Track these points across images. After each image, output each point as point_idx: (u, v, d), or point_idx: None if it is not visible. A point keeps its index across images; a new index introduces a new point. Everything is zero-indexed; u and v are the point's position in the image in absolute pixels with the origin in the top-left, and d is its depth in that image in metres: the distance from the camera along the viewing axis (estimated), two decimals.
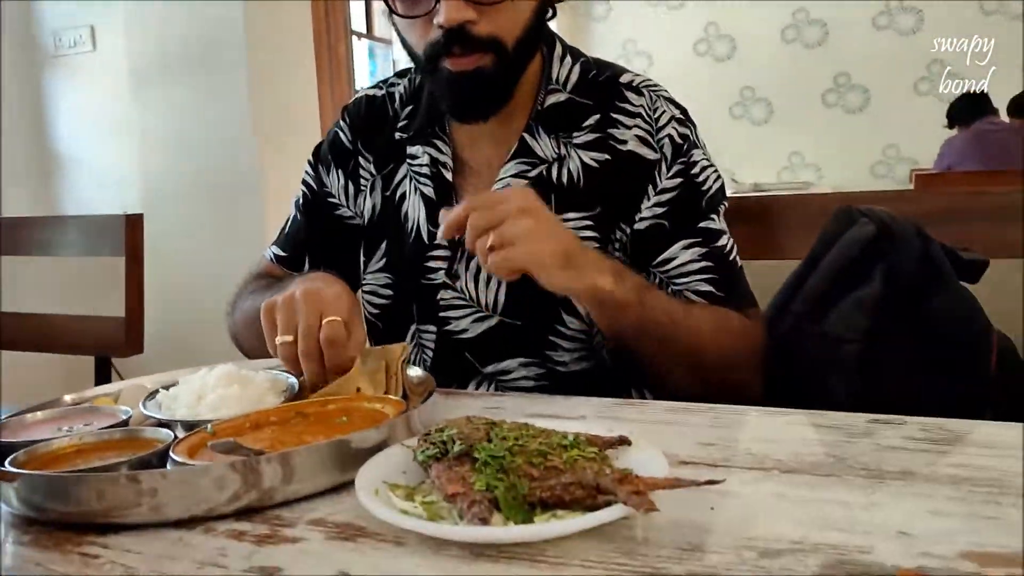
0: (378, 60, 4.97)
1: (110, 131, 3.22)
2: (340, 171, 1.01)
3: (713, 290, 0.87)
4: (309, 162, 1.05)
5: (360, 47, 4.77)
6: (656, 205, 0.88)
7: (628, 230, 0.89)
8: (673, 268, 0.88)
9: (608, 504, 0.47)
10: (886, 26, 4.85)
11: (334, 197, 1.02)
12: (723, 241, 0.90)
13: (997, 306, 0.91)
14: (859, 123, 4.97)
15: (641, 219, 0.89)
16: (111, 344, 1.57)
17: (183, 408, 0.67)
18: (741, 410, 0.71)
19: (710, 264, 0.88)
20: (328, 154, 1.03)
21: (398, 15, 0.85)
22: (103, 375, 1.57)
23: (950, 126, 4.05)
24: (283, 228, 1.08)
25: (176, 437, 0.59)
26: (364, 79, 4.85)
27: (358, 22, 4.69)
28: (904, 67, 4.81)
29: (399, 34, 0.88)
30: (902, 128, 4.86)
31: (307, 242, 1.04)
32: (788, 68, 5.05)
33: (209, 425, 0.61)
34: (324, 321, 0.71)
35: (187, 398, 0.68)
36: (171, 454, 0.56)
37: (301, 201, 1.05)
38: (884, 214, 0.92)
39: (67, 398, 0.75)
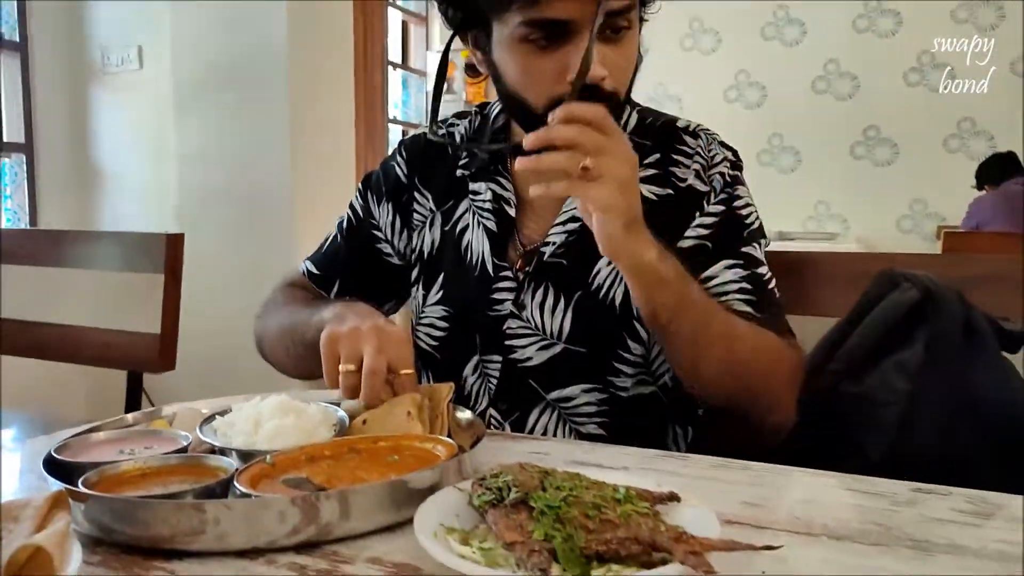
0: (411, 90, 5.06)
1: (150, 148, 3.30)
2: (391, 204, 1.05)
3: (751, 311, 0.89)
4: (359, 189, 1.09)
5: (395, 77, 4.86)
6: (700, 227, 0.93)
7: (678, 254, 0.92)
8: (714, 285, 0.90)
9: (664, 562, 0.48)
10: (917, 83, 4.88)
11: (379, 230, 1.05)
12: (763, 270, 0.93)
13: None
14: (887, 176, 4.98)
15: (685, 238, 0.93)
16: (144, 360, 1.59)
17: (240, 436, 0.69)
18: (781, 470, 0.72)
19: (749, 287, 0.90)
20: (382, 186, 1.06)
21: (513, 66, 0.87)
22: (134, 390, 1.60)
23: (979, 187, 4.06)
24: (321, 245, 1.11)
25: (237, 467, 0.61)
26: (397, 109, 4.94)
27: (394, 52, 4.79)
28: (934, 123, 4.83)
29: (496, 75, 0.90)
30: (930, 183, 4.86)
31: (342, 266, 1.07)
32: (817, 118, 5.08)
33: (268, 456, 0.63)
34: (402, 373, 0.75)
35: (243, 426, 0.70)
36: (235, 484, 0.58)
37: (345, 225, 1.08)
38: (928, 279, 0.94)
39: (128, 417, 0.77)
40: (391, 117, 4.72)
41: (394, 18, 4.79)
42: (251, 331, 1.09)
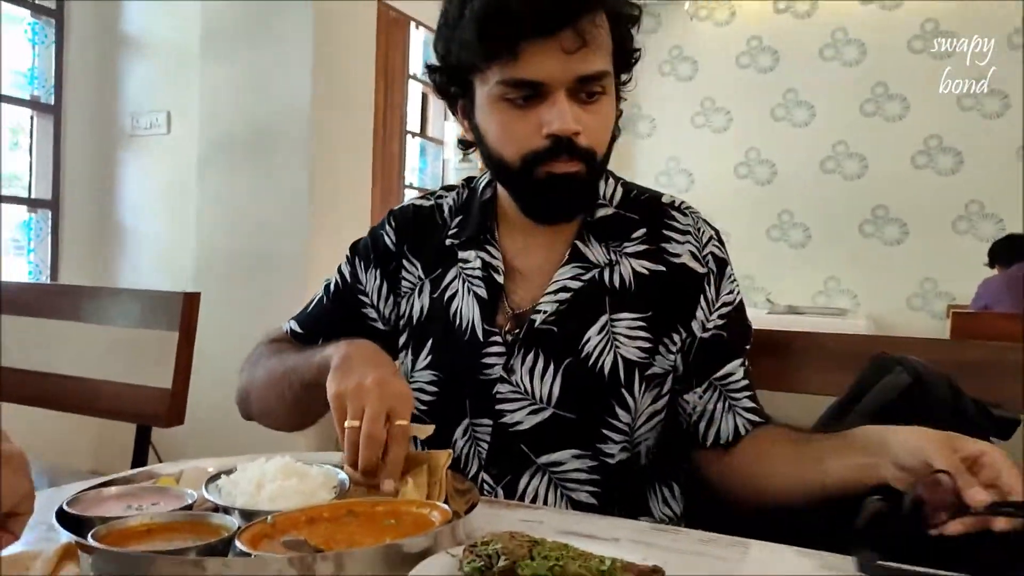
0: (428, 157, 5.20)
1: (172, 209, 3.40)
2: (378, 271, 1.08)
3: (755, 406, 0.99)
4: (347, 255, 1.11)
5: (412, 144, 5.00)
6: (718, 317, 0.99)
7: (687, 337, 0.98)
8: (732, 383, 0.99)
9: None
10: (925, 165, 4.97)
11: (365, 295, 1.08)
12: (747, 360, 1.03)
13: None
14: (896, 255, 5.03)
15: (706, 330, 0.98)
16: (154, 414, 1.61)
17: (243, 496, 0.71)
18: (775, 548, 0.74)
19: (748, 382, 1.00)
20: (370, 252, 1.09)
21: (494, 124, 0.93)
22: (142, 443, 1.62)
23: (991, 265, 4.10)
24: (307, 306, 1.14)
25: (239, 525, 0.63)
26: (414, 174, 5.07)
27: (413, 121, 4.94)
28: (942, 205, 4.90)
29: (479, 139, 0.96)
30: (939, 263, 4.90)
31: (326, 327, 1.09)
32: (827, 196, 5.17)
33: (269, 516, 0.65)
34: (395, 424, 0.77)
35: (246, 486, 0.72)
36: (236, 543, 0.60)
37: (332, 288, 1.11)
38: (919, 364, 0.96)
39: (137, 473, 0.80)
40: (408, 183, 4.84)
41: (414, 89, 4.96)
42: None
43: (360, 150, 3.36)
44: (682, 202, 1.05)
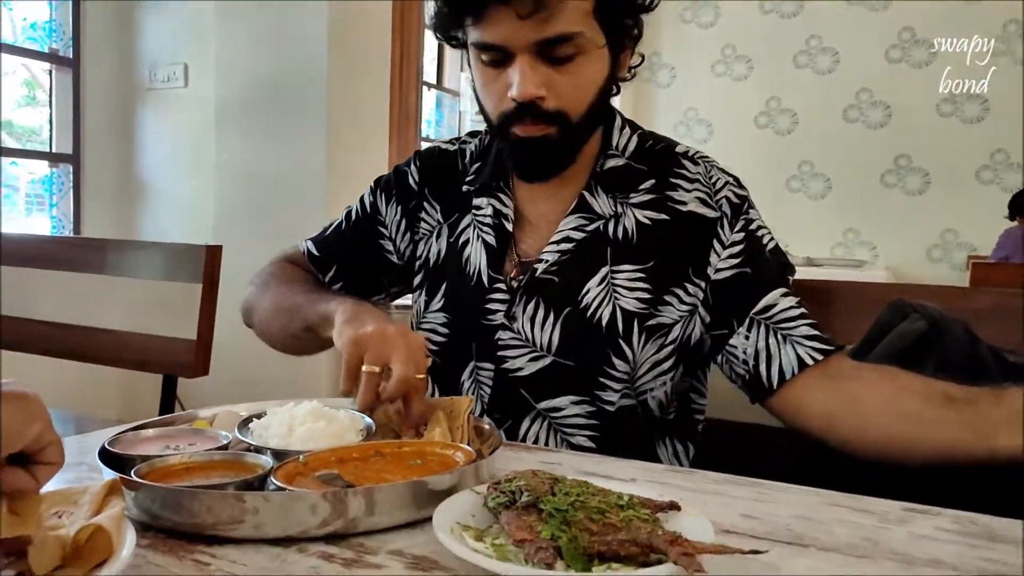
0: (445, 110, 5.17)
1: (191, 162, 3.41)
2: (399, 206, 1.10)
3: (819, 334, 0.93)
4: (371, 187, 1.14)
5: (429, 97, 4.96)
6: (731, 256, 0.96)
7: (703, 284, 0.97)
8: (777, 313, 0.94)
9: (660, 562, 0.53)
10: (950, 113, 4.87)
11: (384, 227, 1.11)
12: (801, 299, 0.97)
13: None
14: (918, 205, 4.97)
15: (719, 271, 0.96)
16: (180, 365, 1.65)
17: (275, 438, 0.74)
18: (785, 487, 0.76)
19: (806, 312, 0.95)
20: (392, 188, 1.12)
21: (476, 82, 0.96)
22: (169, 393, 1.66)
23: (1011, 217, 4.05)
24: (325, 228, 1.17)
25: (273, 464, 0.67)
26: (431, 127, 5.04)
27: (429, 73, 4.89)
28: (966, 154, 4.82)
29: (475, 94, 0.98)
30: (961, 214, 4.84)
31: (342, 253, 1.13)
32: (849, 146, 5.09)
33: (301, 456, 0.68)
34: (418, 377, 0.79)
35: (278, 428, 0.75)
36: (271, 479, 0.63)
37: (353, 215, 1.14)
38: (935, 311, 0.97)
39: (173, 417, 0.83)
40: (424, 135, 4.82)
41: (430, 40, 4.90)
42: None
43: (377, 102, 3.35)
44: (697, 152, 1.04)
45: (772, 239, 1.00)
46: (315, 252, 1.14)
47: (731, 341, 0.96)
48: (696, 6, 5.34)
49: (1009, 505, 0.74)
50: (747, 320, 0.95)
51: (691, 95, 5.38)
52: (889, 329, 1.02)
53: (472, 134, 1.13)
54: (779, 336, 0.94)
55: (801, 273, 1.06)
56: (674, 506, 0.62)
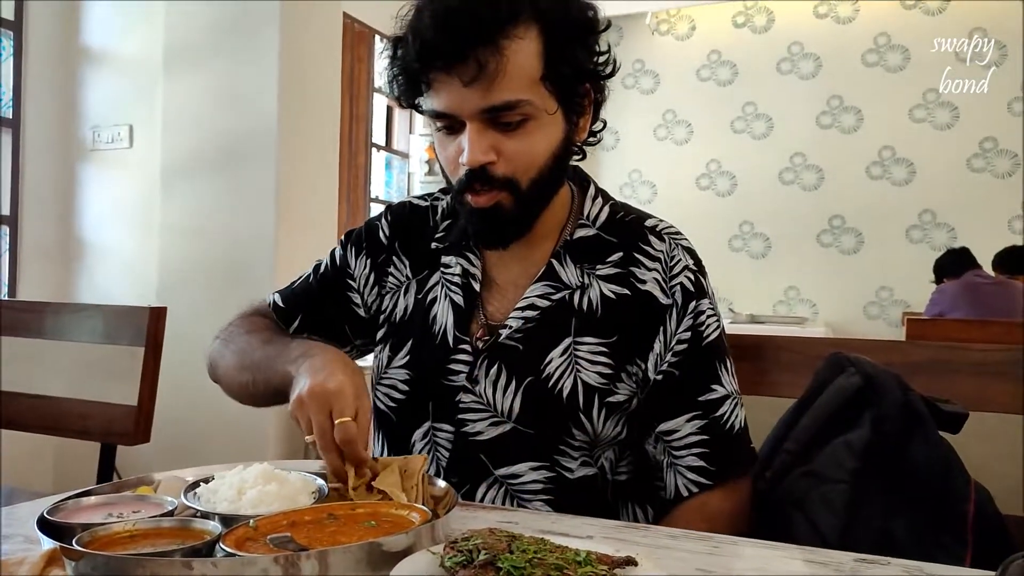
0: (394, 171, 5.22)
1: (135, 222, 3.35)
2: (368, 260, 1.10)
3: (705, 465, 0.95)
4: (340, 241, 1.14)
5: (378, 158, 5.01)
6: (670, 354, 0.97)
7: (642, 367, 0.97)
8: (675, 439, 0.96)
9: None
10: (880, 176, 5.12)
11: (353, 279, 1.10)
12: (723, 409, 0.97)
13: (980, 457, 0.98)
14: (853, 264, 5.16)
15: (658, 369, 0.97)
16: (119, 432, 1.59)
17: (224, 502, 0.72)
18: (739, 541, 0.77)
19: (706, 438, 0.96)
20: (363, 241, 1.11)
21: (436, 148, 0.97)
22: (107, 462, 1.60)
23: (937, 281, 4.22)
24: (293, 282, 1.16)
25: (222, 530, 0.65)
26: (380, 187, 5.07)
27: (378, 134, 4.95)
28: (896, 215, 5.04)
29: (439, 160, 0.99)
30: (895, 271, 5.04)
31: (308, 305, 1.12)
32: (785, 207, 5.29)
33: (252, 520, 0.67)
34: (337, 422, 0.79)
35: (227, 492, 0.73)
36: (220, 545, 0.61)
37: (321, 268, 1.14)
38: (868, 365, 1.00)
39: (115, 484, 0.80)
40: (374, 196, 4.84)
41: (379, 103, 4.97)
42: (226, 403, 1.12)
43: (326, 163, 3.36)
44: (668, 227, 1.03)
45: (717, 327, 0.99)
46: (280, 304, 1.13)
47: (646, 441, 0.99)
48: (637, 74, 5.54)
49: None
50: (654, 434, 0.98)
51: (635, 158, 5.54)
52: (827, 383, 1.05)
53: (445, 190, 1.11)
54: (668, 459, 0.97)
55: (745, 330, 1.08)
56: (631, 561, 0.62)
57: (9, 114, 3.31)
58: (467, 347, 0.99)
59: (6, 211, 3.31)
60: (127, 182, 3.39)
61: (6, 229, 3.32)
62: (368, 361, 1.13)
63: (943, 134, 4.97)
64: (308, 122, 3.18)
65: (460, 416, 0.98)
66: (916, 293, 4.78)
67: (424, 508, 0.73)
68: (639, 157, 5.54)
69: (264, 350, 0.99)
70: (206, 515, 0.70)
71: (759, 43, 5.38)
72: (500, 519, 0.81)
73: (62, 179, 3.47)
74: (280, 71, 2.98)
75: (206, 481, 0.78)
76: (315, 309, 1.12)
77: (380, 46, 4.76)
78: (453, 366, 0.99)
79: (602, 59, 0.96)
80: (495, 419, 0.97)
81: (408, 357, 1.03)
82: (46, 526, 0.66)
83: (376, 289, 1.09)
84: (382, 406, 1.05)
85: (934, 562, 0.72)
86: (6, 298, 3.23)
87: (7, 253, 3.32)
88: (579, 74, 0.94)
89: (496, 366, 0.97)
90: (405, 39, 0.91)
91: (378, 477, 0.80)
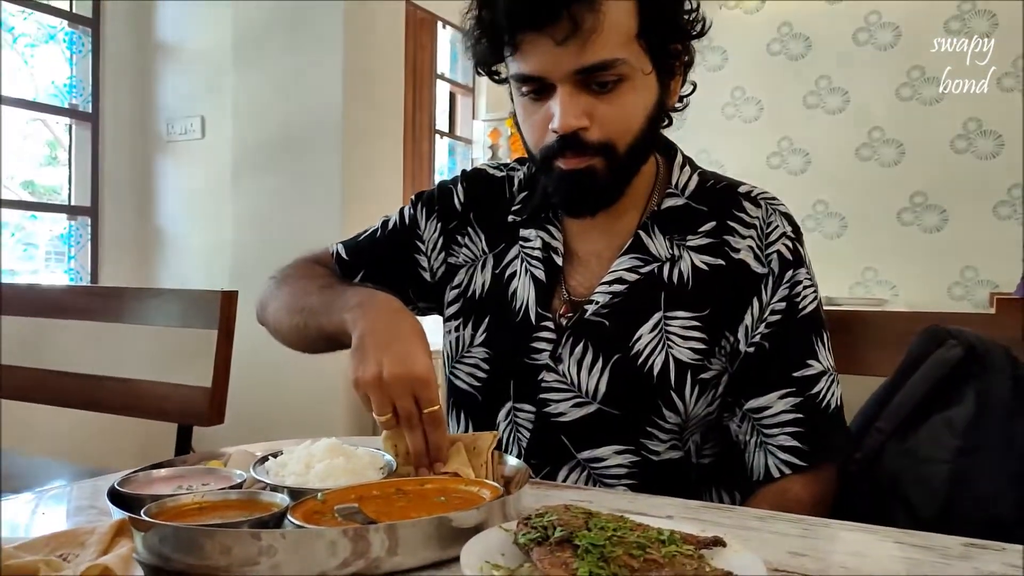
0: (457, 157, 5.21)
1: (208, 211, 3.44)
2: (440, 224, 1.06)
3: (798, 444, 0.89)
4: (411, 200, 1.10)
5: (441, 145, 5.01)
6: (763, 325, 0.91)
7: (732, 340, 0.92)
8: (767, 417, 0.90)
9: None
10: (964, 149, 4.85)
11: (422, 242, 1.06)
12: (819, 387, 0.91)
13: None
14: (936, 243, 4.91)
15: (750, 341, 0.91)
16: (195, 413, 1.62)
17: (292, 476, 0.71)
18: (831, 523, 0.72)
19: (801, 416, 0.90)
20: (436, 204, 1.07)
21: (518, 115, 0.92)
22: (184, 443, 1.63)
23: None
24: (359, 235, 1.12)
25: (290, 503, 0.63)
26: (445, 175, 5.08)
27: (441, 121, 4.95)
28: (983, 190, 4.77)
29: (518, 127, 0.94)
30: (981, 250, 4.78)
31: (373, 260, 1.08)
32: (863, 185, 5.07)
33: (320, 494, 0.65)
34: (426, 411, 0.76)
35: (295, 466, 0.72)
36: (288, 517, 0.60)
37: (390, 225, 1.10)
38: (972, 336, 0.93)
39: (186, 458, 0.80)
40: (437, 182, 4.84)
41: (442, 90, 4.97)
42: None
43: (391, 150, 3.37)
44: (763, 192, 0.98)
45: (814, 298, 0.94)
46: (344, 256, 1.09)
47: (729, 422, 0.94)
48: (703, 50, 5.38)
49: None
50: (741, 412, 0.92)
51: (702, 137, 5.39)
52: (924, 358, 0.98)
53: (520, 161, 1.08)
54: (758, 438, 0.91)
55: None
56: (719, 542, 0.58)
57: (89, 108, 3.42)
58: (550, 324, 0.95)
59: (87, 202, 3.43)
60: (200, 172, 3.47)
61: (88, 220, 3.44)
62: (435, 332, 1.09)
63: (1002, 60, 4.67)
64: (372, 111, 3.20)
65: (542, 396, 0.94)
66: (1004, 273, 4.52)
67: (495, 484, 0.70)
68: (707, 137, 5.38)
69: (320, 295, 0.96)
70: (274, 488, 0.69)
71: (834, 13, 5.15)
72: (575, 497, 0.78)
73: (139, 170, 3.58)
74: (344, 61, 3.00)
75: (275, 455, 0.77)
76: (379, 266, 1.07)
77: (443, 32, 4.76)
78: (536, 344, 0.95)
79: (693, 16, 0.91)
80: (579, 399, 0.92)
81: (486, 334, 0.99)
82: (116, 497, 0.65)
83: (443, 255, 1.05)
84: (464, 386, 1.01)
85: None
86: (86, 284, 3.35)
87: (89, 244, 3.44)
88: (674, 32, 0.89)
89: (581, 344, 0.93)
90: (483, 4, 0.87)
91: (453, 463, 0.77)
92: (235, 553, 0.55)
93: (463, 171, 1.09)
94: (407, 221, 1.08)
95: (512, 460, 0.81)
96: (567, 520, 0.57)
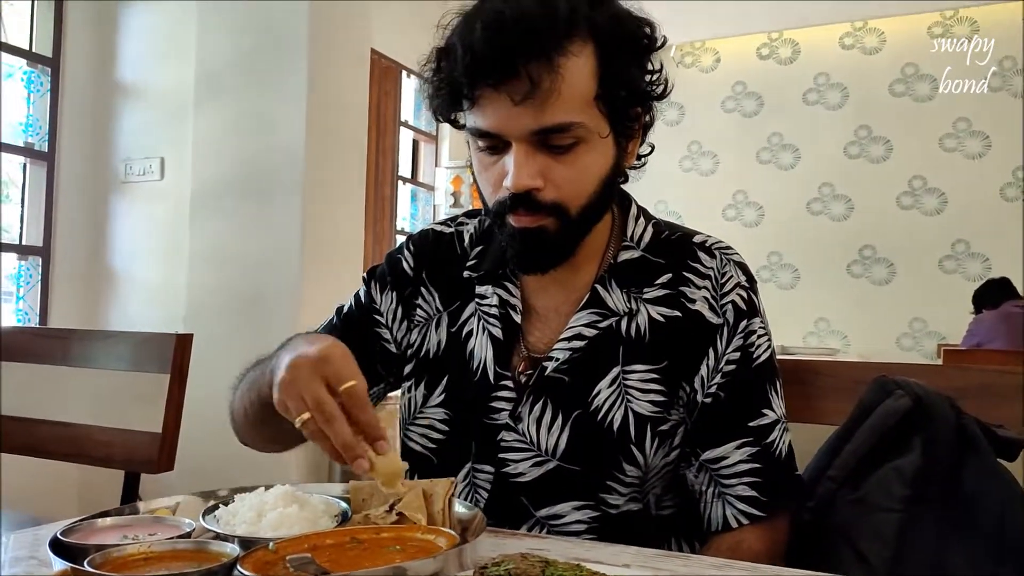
0: (419, 203, 5.24)
1: (164, 251, 3.39)
2: (395, 294, 1.04)
3: (757, 495, 0.90)
4: (364, 279, 1.07)
5: (404, 191, 5.04)
6: (719, 375, 0.91)
7: (689, 391, 0.92)
8: (724, 467, 0.91)
9: None
10: (910, 206, 5.04)
11: (380, 316, 1.04)
12: (773, 436, 0.92)
13: None
14: (885, 295, 5.06)
15: (706, 392, 0.91)
16: (143, 460, 1.58)
17: (243, 524, 0.70)
18: (784, 571, 0.72)
19: (758, 466, 0.90)
20: (387, 276, 1.05)
21: (475, 166, 0.91)
22: (130, 490, 1.58)
23: (976, 311, 4.13)
24: (316, 329, 1.09)
25: (240, 552, 0.62)
26: (405, 220, 5.09)
27: (404, 167, 4.98)
28: (929, 245, 4.95)
29: (474, 178, 0.93)
30: (928, 303, 4.93)
31: None
32: (814, 237, 5.22)
33: (271, 543, 0.64)
34: (342, 388, 0.70)
35: (246, 514, 0.71)
36: (238, 568, 0.58)
37: (346, 310, 1.07)
38: (918, 387, 0.96)
39: (134, 506, 0.78)
40: (399, 228, 4.86)
41: (405, 136, 5.02)
42: None
43: (353, 195, 3.37)
44: (718, 242, 0.98)
45: (768, 347, 0.94)
46: None
47: (685, 472, 0.93)
48: (660, 106, 5.54)
49: None
50: (698, 462, 0.92)
51: (660, 189, 5.51)
52: (873, 407, 1.00)
53: (470, 214, 1.07)
54: (715, 489, 0.91)
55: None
56: None
57: (45, 147, 3.37)
58: (509, 383, 0.93)
59: (38, 242, 3.36)
60: (157, 213, 3.43)
61: (38, 260, 3.36)
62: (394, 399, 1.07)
63: (975, 163, 4.89)
64: (335, 154, 3.21)
65: (501, 455, 0.92)
66: (951, 324, 4.66)
67: (451, 532, 0.69)
68: (664, 188, 5.51)
69: (254, 372, 0.91)
70: (224, 537, 0.68)
71: (785, 74, 5.36)
72: (532, 546, 0.77)
73: (94, 211, 3.52)
74: (308, 104, 3.01)
75: (225, 503, 0.75)
76: None
77: (407, 81, 4.82)
78: (495, 403, 0.93)
79: (655, 78, 0.90)
80: (538, 458, 0.91)
81: (445, 395, 0.97)
82: (59, 548, 0.63)
83: (405, 324, 1.03)
84: (419, 447, 0.99)
85: None
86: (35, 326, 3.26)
87: (39, 284, 3.36)
88: (633, 95, 0.88)
89: (541, 401, 0.92)
90: (452, 50, 0.84)
91: (402, 501, 0.76)
92: None
93: (408, 236, 1.08)
94: (363, 299, 1.06)
95: (469, 507, 0.80)
96: (524, 569, 0.57)
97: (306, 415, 0.69)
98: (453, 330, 0.99)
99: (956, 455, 0.88)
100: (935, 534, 0.84)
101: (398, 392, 1.07)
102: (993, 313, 4.00)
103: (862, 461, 0.94)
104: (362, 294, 1.07)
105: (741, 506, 0.90)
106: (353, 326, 1.05)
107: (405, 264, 1.05)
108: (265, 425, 0.90)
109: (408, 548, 0.67)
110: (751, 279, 0.96)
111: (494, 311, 0.96)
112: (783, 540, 0.92)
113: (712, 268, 0.94)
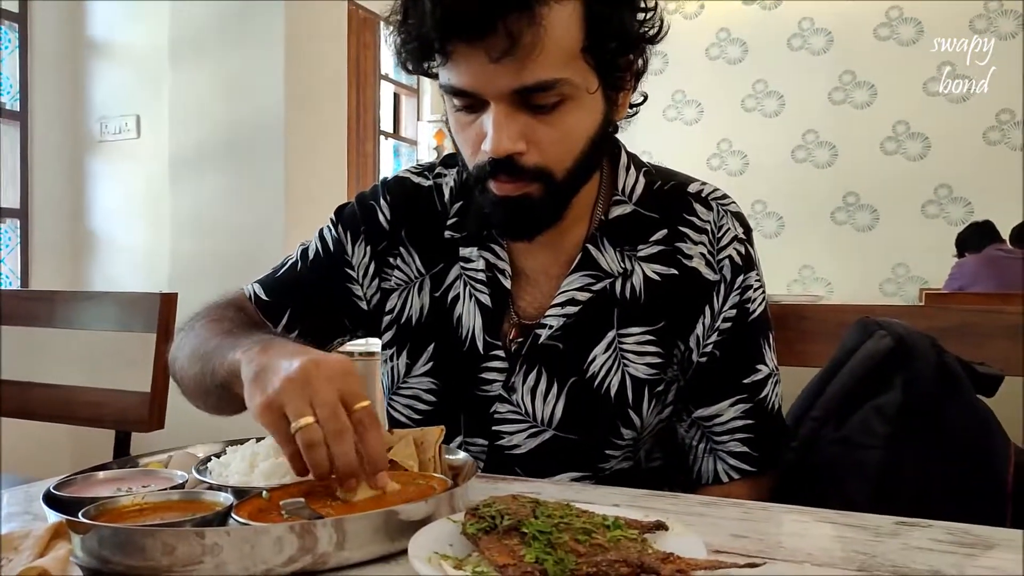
0: (402, 158, 5.19)
1: (145, 214, 3.35)
2: (368, 247, 0.96)
3: (748, 450, 0.90)
4: (331, 220, 0.99)
5: (386, 146, 4.98)
6: (715, 333, 0.89)
7: (684, 349, 0.89)
8: (717, 424, 0.90)
9: None
10: (894, 151, 5.04)
11: (352, 270, 0.96)
12: (767, 391, 0.91)
13: (1013, 421, 0.94)
14: (868, 241, 5.09)
15: (701, 351, 0.89)
16: (134, 419, 1.58)
17: (235, 475, 0.70)
18: (771, 507, 0.74)
19: (751, 422, 0.90)
20: (361, 225, 0.96)
21: (451, 126, 0.84)
22: (122, 450, 1.59)
23: (959, 255, 4.16)
24: (276, 269, 0.99)
25: (234, 502, 0.62)
26: (388, 174, 5.05)
27: (386, 122, 4.92)
28: (911, 190, 4.97)
29: (451, 137, 0.87)
30: (911, 248, 4.97)
31: (298, 299, 0.95)
32: (798, 185, 5.22)
33: (265, 491, 0.64)
34: (357, 406, 0.64)
35: (239, 465, 0.71)
36: (233, 516, 0.59)
37: (312, 254, 0.98)
38: (900, 327, 0.97)
39: (125, 460, 0.78)
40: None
41: (387, 90, 4.94)
42: None
43: (334, 151, 3.33)
44: (713, 191, 0.92)
45: (763, 300, 0.92)
46: (263, 296, 0.96)
47: (677, 422, 0.93)
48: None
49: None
50: (690, 419, 0.91)
51: (643, 139, 5.48)
52: (856, 349, 1.01)
53: (447, 163, 0.98)
54: (707, 445, 0.91)
55: None
56: (661, 526, 0.59)
57: (16, 107, 3.30)
58: (500, 352, 0.89)
59: (16, 205, 3.31)
60: (136, 174, 3.38)
61: (16, 223, 3.32)
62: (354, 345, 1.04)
63: (958, 107, 4.88)
64: (315, 111, 3.16)
65: (495, 428, 0.89)
66: (933, 269, 4.71)
67: (442, 477, 0.70)
68: (648, 138, 5.47)
69: (221, 339, 0.81)
70: (218, 488, 0.68)
71: (769, 19, 5.30)
72: (522, 488, 0.79)
73: (71, 171, 3.46)
74: (286, 60, 2.95)
75: (217, 456, 0.76)
76: (307, 301, 0.95)
77: (386, 32, 4.72)
78: (486, 375, 0.89)
79: (648, 18, 0.81)
80: (534, 429, 0.89)
81: (431, 364, 0.92)
82: (53, 501, 0.64)
83: (376, 281, 0.96)
84: (403, 418, 0.95)
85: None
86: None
87: (19, 247, 3.32)
88: (625, 42, 0.80)
89: (535, 371, 0.88)
90: (419, 1, 0.75)
91: (392, 449, 0.77)
92: (178, 552, 0.54)
93: (384, 181, 0.99)
94: (332, 246, 0.97)
95: (460, 453, 0.81)
96: (514, 509, 0.57)
97: (306, 420, 0.62)
98: (437, 295, 0.93)
99: (937, 393, 0.89)
100: (917, 469, 0.86)
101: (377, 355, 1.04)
102: (976, 257, 4.03)
103: (845, 401, 0.95)
104: (330, 240, 0.98)
105: (733, 462, 0.90)
106: (321, 274, 0.96)
107: (381, 216, 0.96)
108: (210, 394, 0.83)
109: (400, 493, 0.67)
110: (748, 229, 0.93)
111: (481, 275, 0.91)
112: (769, 489, 0.92)
113: (709, 221, 0.90)
